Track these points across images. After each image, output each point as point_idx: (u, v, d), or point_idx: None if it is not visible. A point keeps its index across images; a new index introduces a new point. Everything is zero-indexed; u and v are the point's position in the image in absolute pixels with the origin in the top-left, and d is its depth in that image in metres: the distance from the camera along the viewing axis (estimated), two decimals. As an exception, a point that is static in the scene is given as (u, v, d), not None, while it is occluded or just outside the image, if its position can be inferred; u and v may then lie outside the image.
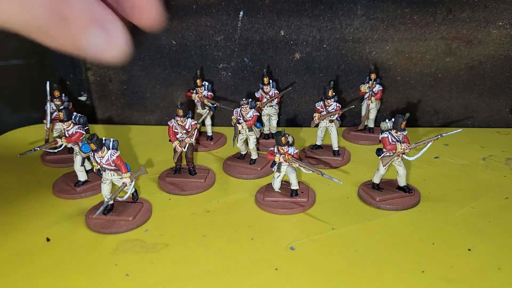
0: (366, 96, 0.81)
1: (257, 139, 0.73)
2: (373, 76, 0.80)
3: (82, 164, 0.67)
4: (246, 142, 0.73)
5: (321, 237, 0.55)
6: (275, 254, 0.52)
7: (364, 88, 0.81)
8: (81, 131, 0.65)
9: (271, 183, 0.64)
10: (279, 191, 0.63)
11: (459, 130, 0.63)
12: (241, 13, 0.84)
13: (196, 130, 0.68)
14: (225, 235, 0.56)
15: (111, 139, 0.58)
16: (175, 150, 0.68)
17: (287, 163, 0.61)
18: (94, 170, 0.59)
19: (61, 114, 0.63)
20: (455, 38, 0.82)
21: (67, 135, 0.64)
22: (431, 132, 0.85)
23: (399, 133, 0.60)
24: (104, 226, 0.57)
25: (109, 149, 0.57)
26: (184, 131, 0.67)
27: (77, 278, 0.49)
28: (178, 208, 0.62)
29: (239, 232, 0.56)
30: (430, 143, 0.61)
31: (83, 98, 0.94)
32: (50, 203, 0.64)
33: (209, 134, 0.84)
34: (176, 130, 0.67)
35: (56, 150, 0.65)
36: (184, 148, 0.68)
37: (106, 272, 0.50)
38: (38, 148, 0.62)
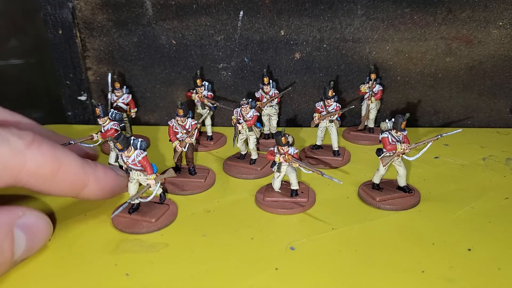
0: (366, 96, 0.81)
1: (257, 139, 0.73)
2: (373, 76, 0.80)
3: (116, 160, 0.69)
4: (246, 142, 0.73)
5: (321, 237, 0.55)
6: (275, 254, 0.52)
7: (364, 88, 0.81)
8: (116, 127, 0.66)
9: (271, 183, 0.64)
10: (279, 191, 0.63)
11: (459, 130, 0.63)
12: (241, 12, 0.84)
13: (197, 130, 0.68)
14: (225, 235, 0.56)
15: (139, 139, 0.57)
16: (175, 150, 0.68)
17: (287, 163, 0.61)
18: (123, 168, 0.60)
19: (98, 110, 0.65)
20: (455, 38, 0.82)
21: (102, 130, 0.66)
22: (431, 132, 0.85)
23: (399, 133, 0.60)
24: (127, 225, 0.57)
25: (136, 149, 0.57)
26: (184, 131, 0.67)
27: (77, 277, 0.49)
28: (178, 208, 0.62)
29: (239, 232, 0.56)
30: (430, 143, 0.61)
31: (83, 98, 0.94)
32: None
33: (209, 134, 0.84)
34: (176, 130, 0.67)
35: (92, 145, 0.67)
36: (184, 148, 0.68)
37: (106, 272, 0.50)
38: (73, 142, 0.64)
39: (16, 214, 0.49)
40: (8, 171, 0.46)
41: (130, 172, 0.58)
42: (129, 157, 0.56)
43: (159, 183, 0.58)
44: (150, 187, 0.57)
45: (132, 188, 0.58)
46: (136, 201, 0.58)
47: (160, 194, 0.61)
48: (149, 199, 0.57)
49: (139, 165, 0.57)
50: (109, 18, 0.87)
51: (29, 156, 0.47)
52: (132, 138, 0.57)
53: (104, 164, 0.57)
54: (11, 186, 0.47)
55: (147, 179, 0.57)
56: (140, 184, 0.59)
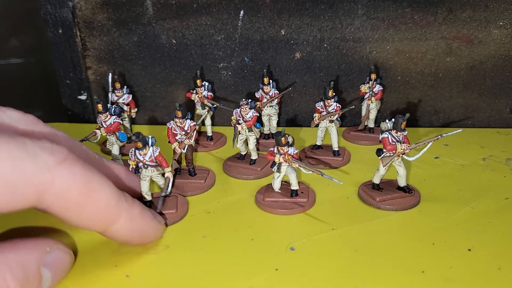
0: (366, 96, 0.81)
1: (257, 139, 0.73)
2: (373, 76, 0.80)
3: (120, 152, 0.71)
4: (246, 142, 0.73)
5: (321, 237, 0.55)
6: (275, 254, 0.52)
7: (364, 88, 0.81)
8: (118, 120, 0.68)
9: (271, 184, 0.64)
10: (279, 191, 0.63)
11: (459, 130, 0.63)
12: (242, 12, 0.84)
13: (195, 131, 0.68)
14: (225, 236, 0.56)
15: (149, 136, 0.58)
16: (174, 152, 0.68)
17: (287, 164, 0.61)
18: (130, 169, 0.59)
19: (100, 106, 0.67)
20: (456, 38, 0.82)
21: (104, 125, 0.68)
22: (431, 132, 0.85)
23: (399, 133, 0.60)
24: None
25: (150, 146, 0.58)
26: (183, 133, 0.67)
27: (77, 278, 0.49)
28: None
29: (239, 233, 0.56)
30: (430, 144, 0.61)
31: (83, 97, 0.94)
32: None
33: (209, 134, 0.84)
34: (175, 132, 0.67)
35: (95, 141, 0.70)
36: (184, 149, 0.68)
37: (106, 273, 0.50)
38: (85, 139, 0.67)
39: (44, 251, 0.46)
40: (31, 189, 0.41)
41: (144, 170, 0.58)
42: (145, 154, 0.57)
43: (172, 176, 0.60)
44: (170, 179, 0.58)
45: (145, 186, 0.59)
46: (149, 198, 0.59)
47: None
48: (169, 190, 0.59)
49: (155, 161, 0.58)
50: (109, 17, 0.87)
51: (57, 175, 0.42)
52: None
53: (142, 204, 0.52)
54: (34, 207, 0.43)
55: (159, 173, 0.58)
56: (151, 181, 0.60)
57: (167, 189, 0.58)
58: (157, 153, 0.58)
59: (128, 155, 0.77)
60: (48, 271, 0.46)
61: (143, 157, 0.58)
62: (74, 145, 0.53)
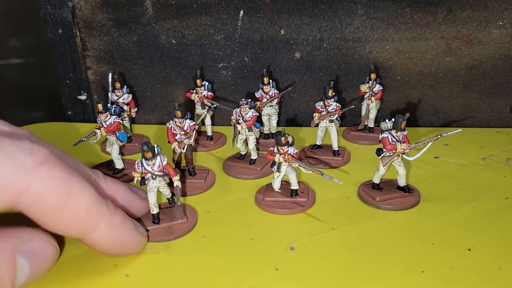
0: (366, 96, 0.81)
1: (257, 139, 0.73)
2: (373, 76, 0.80)
3: (120, 153, 0.71)
4: (246, 142, 0.73)
5: (321, 237, 0.55)
6: (275, 254, 0.52)
7: (364, 88, 0.81)
8: (118, 120, 0.68)
9: (271, 183, 0.64)
10: (279, 191, 0.63)
11: (459, 130, 0.63)
12: (241, 12, 0.84)
13: (195, 131, 0.68)
14: (225, 236, 0.56)
15: (155, 145, 0.55)
16: (174, 151, 0.68)
17: (287, 163, 0.61)
18: (135, 181, 0.56)
19: (100, 106, 0.66)
20: (456, 37, 0.82)
21: (104, 125, 0.68)
22: (431, 132, 0.85)
23: (399, 133, 0.60)
24: (167, 233, 0.55)
25: (157, 155, 0.55)
26: (183, 132, 0.67)
27: (77, 278, 0.49)
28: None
29: (239, 233, 0.56)
30: (430, 143, 0.61)
31: (83, 97, 0.94)
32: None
33: (209, 134, 0.84)
34: (174, 132, 0.67)
35: (95, 141, 0.69)
36: (183, 149, 0.67)
37: (106, 273, 0.50)
38: (85, 139, 0.67)
39: (21, 239, 0.43)
40: (7, 191, 0.39)
41: (152, 181, 0.56)
42: (154, 164, 0.55)
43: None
44: (179, 188, 0.56)
45: (153, 198, 0.56)
46: (156, 210, 0.57)
47: (168, 199, 0.61)
48: (179, 202, 0.56)
49: (163, 171, 0.56)
50: (109, 17, 0.87)
51: (35, 177, 0.40)
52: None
53: (125, 213, 0.50)
54: (10, 209, 0.41)
55: (166, 183, 0.57)
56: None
57: (179, 199, 0.56)
58: (165, 162, 0.55)
59: (127, 154, 0.78)
60: (26, 260, 0.43)
61: (151, 167, 0.55)
62: (66, 159, 0.50)
